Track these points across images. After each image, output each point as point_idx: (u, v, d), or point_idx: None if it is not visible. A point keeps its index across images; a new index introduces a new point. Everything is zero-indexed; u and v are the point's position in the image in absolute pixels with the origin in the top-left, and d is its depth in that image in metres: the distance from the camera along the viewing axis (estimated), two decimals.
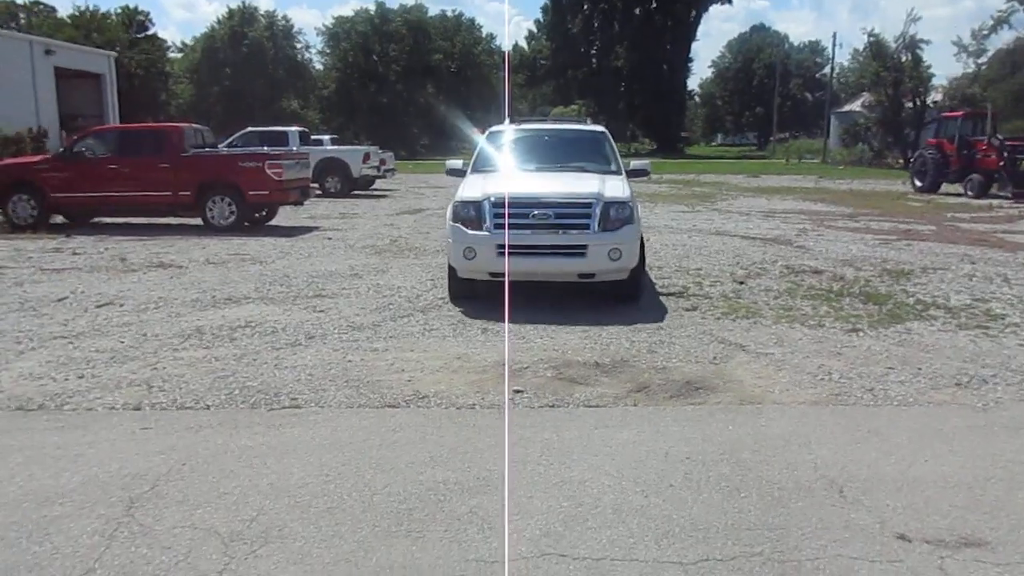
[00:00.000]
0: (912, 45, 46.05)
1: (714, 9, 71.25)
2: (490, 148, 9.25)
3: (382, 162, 25.39)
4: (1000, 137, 23.73)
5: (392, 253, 11.65)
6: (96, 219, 15.16)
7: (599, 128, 9.93)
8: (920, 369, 5.76)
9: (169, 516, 3.54)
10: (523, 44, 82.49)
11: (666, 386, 5.42)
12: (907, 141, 43.05)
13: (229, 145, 21.06)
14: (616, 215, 7.53)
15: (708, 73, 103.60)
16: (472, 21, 61.94)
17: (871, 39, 47.18)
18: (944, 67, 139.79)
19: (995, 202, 21.53)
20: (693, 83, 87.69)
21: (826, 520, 3.54)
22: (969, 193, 22.83)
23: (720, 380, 5.53)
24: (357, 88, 68.19)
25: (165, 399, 5.09)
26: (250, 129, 24.12)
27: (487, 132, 9.78)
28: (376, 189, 25.92)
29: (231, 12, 67.68)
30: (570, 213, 7.54)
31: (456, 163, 9.13)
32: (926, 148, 26.23)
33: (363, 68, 69.58)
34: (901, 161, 41.74)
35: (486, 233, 7.46)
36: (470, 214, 7.55)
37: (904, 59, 45.53)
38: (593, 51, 75.58)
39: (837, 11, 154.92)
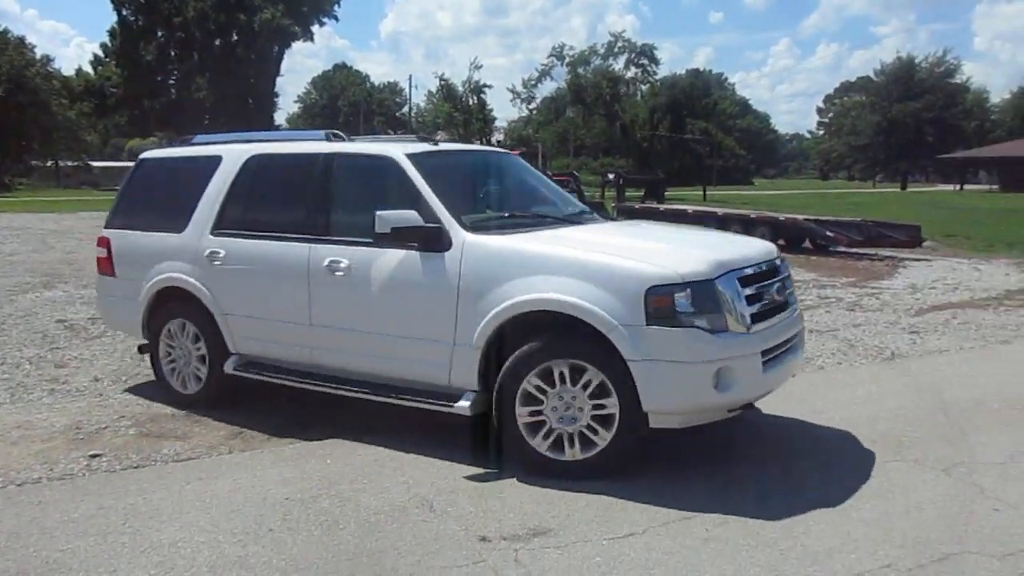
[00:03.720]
0: (477, 90, 51.47)
1: (297, 46, 71.83)
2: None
3: None
4: (550, 172, 27.62)
5: None
6: None
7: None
8: None
9: None
10: (88, 69, 74.80)
11: (265, 427, 5.32)
12: None
13: None
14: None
15: (295, 108, 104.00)
16: (22, 40, 54.26)
17: (442, 83, 51.69)
18: (504, 111, 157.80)
19: None
20: (280, 117, 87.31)
21: (419, 535, 3.78)
22: None
23: (316, 417, 5.57)
24: None
25: None
26: None
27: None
28: None
29: None
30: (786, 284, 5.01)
31: (400, 216, 4.77)
32: None
33: None
34: None
35: (742, 334, 4.38)
36: (704, 305, 4.28)
37: (471, 102, 50.62)
38: (172, 81, 71.29)
39: (413, 55, 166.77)
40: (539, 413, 4.46)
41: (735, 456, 4.82)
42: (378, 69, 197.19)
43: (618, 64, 60.31)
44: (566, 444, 4.42)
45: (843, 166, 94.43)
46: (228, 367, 5.62)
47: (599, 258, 4.46)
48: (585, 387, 4.35)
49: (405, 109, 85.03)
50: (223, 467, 4.68)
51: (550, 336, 4.43)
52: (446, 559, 3.56)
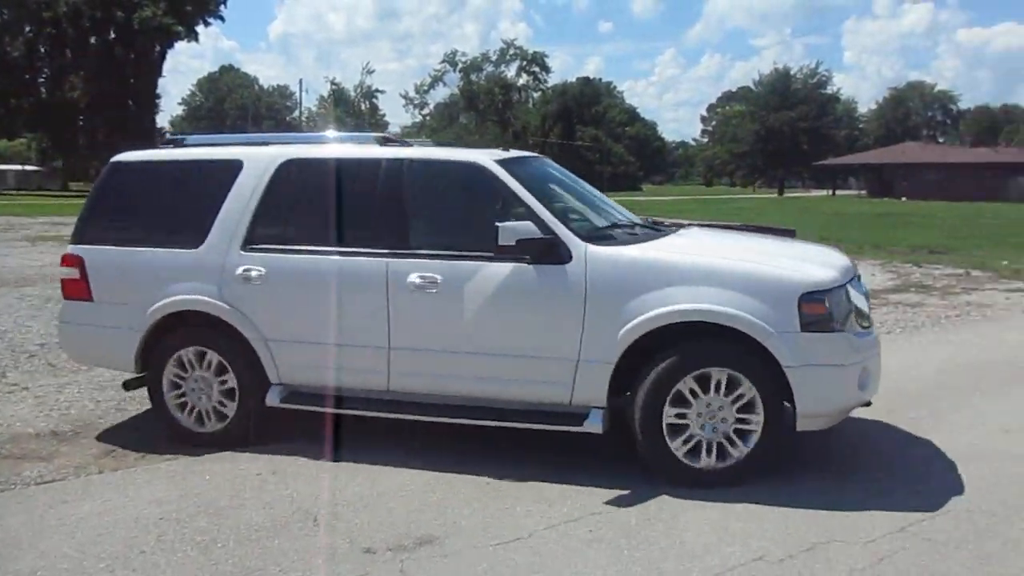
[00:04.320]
0: (369, 94, 51.00)
1: (181, 46, 69.06)
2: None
3: None
4: None
5: None
6: None
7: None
8: None
9: None
10: None
11: (140, 444, 5.08)
12: None
13: None
14: None
15: (179, 110, 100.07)
16: None
17: (333, 87, 50.92)
18: (397, 116, 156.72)
19: None
20: (163, 120, 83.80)
21: (302, 549, 3.69)
22: None
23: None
24: None
25: None
26: None
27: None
28: None
29: None
30: None
31: (523, 228, 4.53)
32: None
33: None
34: None
35: (869, 334, 4.63)
36: (842, 309, 4.41)
37: (363, 107, 50.07)
38: (42, 79, 67.23)
39: (303, 58, 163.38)
40: (684, 417, 4.39)
41: (616, 456, 4.92)
42: (267, 72, 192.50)
43: (510, 71, 61.05)
44: (703, 452, 4.40)
45: (726, 173, 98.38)
46: (272, 399, 5.00)
47: (745, 267, 4.47)
48: (735, 399, 4.34)
49: (296, 113, 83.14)
50: (91, 488, 4.44)
51: (694, 346, 4.39)
52: (328, 573, 3.49)
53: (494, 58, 60.02)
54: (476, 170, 4.89)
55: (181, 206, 5.35)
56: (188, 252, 5.09)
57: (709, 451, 4.40)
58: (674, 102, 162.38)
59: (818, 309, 4.28)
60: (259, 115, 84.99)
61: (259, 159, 5.15)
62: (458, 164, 5.10)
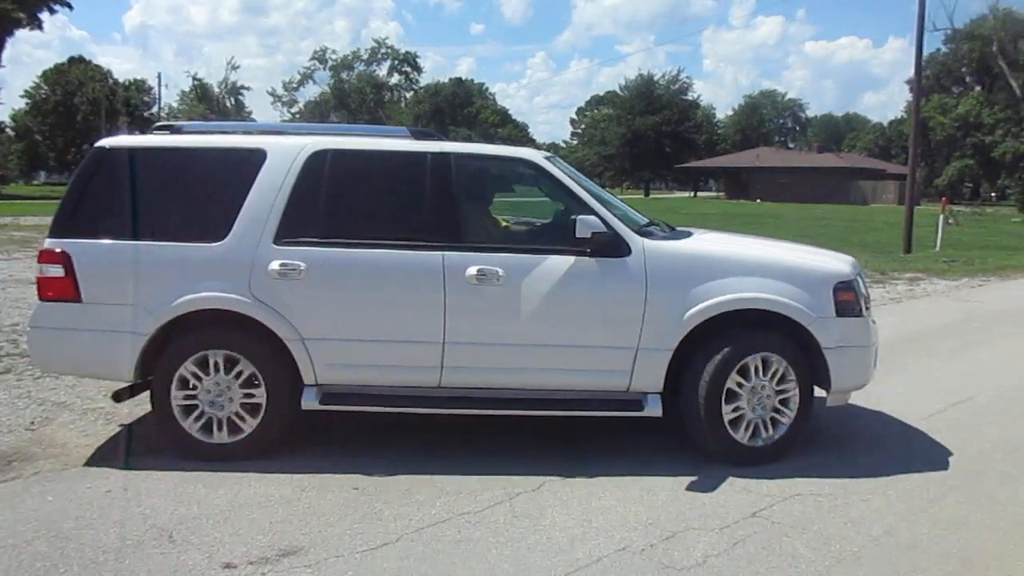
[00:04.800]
0: (234, 91, 49.10)
1: (23, 34, 63.97)
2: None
3: None
4: None
5: None
6: None
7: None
8: None
9: None
10: None
11: None
12: None
13: None
14: None
15: (22, 104, 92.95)
16: None
17: (196, 82, 48.73)
18: (265, 114, 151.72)
19: None
20: (3, 113, 77.63)
21: (156, 569, 3.50)
22: None
23: (39, 447, 5.00)
24: None
25: None
26: None
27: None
28: None
29: None
30: None
31: (594, 222, 4.72)
32: None
33: None
34: None
35: (873, 320, 5.20)
36: (860, 297, 5.00)
37: (228, 104, 48.19)
38: None
39: (163, 51, 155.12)
40: (736, 400, 4.78)
41: (478, 457, 4.94)
42: (123, 65, 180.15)
43: (382, 70, 60.31)
44: (742, 429, 4.80)
45: (595, 174, 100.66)
46: (309, 401, 4.73)
47: (787, 259, 5.05)
48: (772, 377, 4.79)
49: (155, 109, 79.03)
50: None
51: (748, 332, 4.79)
52: None
53: (365, 56, 59.19)
54: (528, 165, 5.11)
55: (195, 197, 4.91)
56: (209, 247, 4.70)
57: (756, 431, 4.83)
58: (545, 105, 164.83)
59: (848, 296, 4.86)
60: (114, 110, 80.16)
61: (284, 149, 4.86)
62: (509, 159, 5.32)
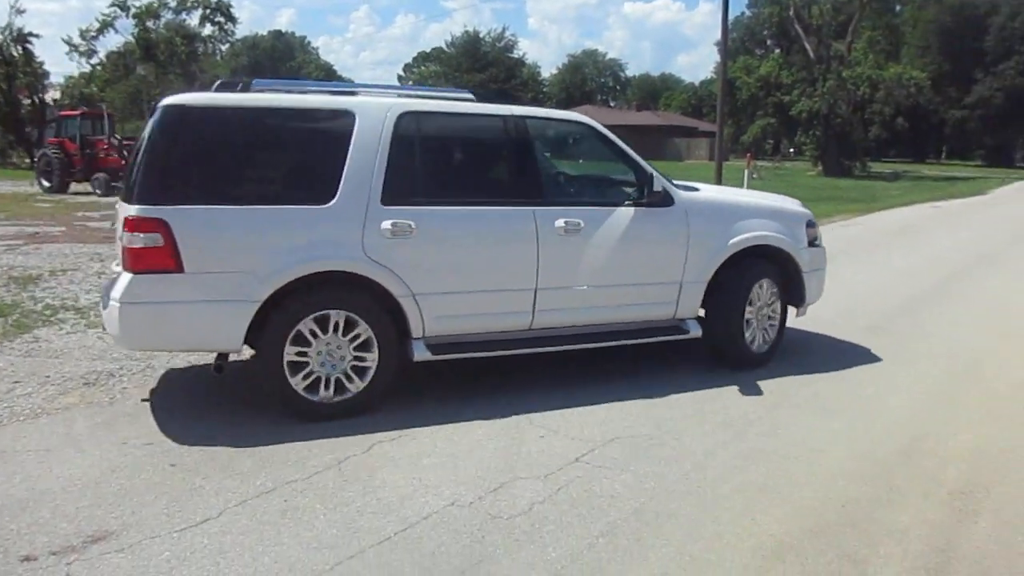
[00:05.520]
0: (22, 39, 44.23)
1: None
2: None
3: None
4: (119, 137, 24.88)
5: None
6: None
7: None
8: (48, 376, 5.63)
9: None
10: None
11: None
12: (31, 140, 41.32)
13: None
14: None
15: None
16: None
17: None
18: (60, 65, 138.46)
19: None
20: None
21: None
22: (97, 192, 23.23)
23: None
24: None
25: None
26: None
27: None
28: None
29: None
30: None
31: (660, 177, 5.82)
32: (49, 147, 25.53)
33: None
34: (28, 160, 39.88)
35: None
36: (818, 232, 6.75)
37: (15, 53, 43.40)
38: None
39: None
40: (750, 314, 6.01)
41: (305, 424, 4.84)
42: None
43: (193, 20, 56.25)
44: (758, 340, 6.11)
45: None
46: (420, 353, 4.95)
47: (776, 204, 6.53)
48: (771, 299, 6.11)
49: None
50: None
51: (753, 262, 5.95)
52: None
53: (173, 4, 54.83)
54: (583, 126, 5.81)
55: (289, 158, 4.88)
56: (318, 208, 4.69)
57: (762, 339, 6.12)
58: (371, 61, 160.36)
59: (814, 232, 6.38)
60: None
61: (372, 109, 4.94)
62: (566, 122, 5.95)
